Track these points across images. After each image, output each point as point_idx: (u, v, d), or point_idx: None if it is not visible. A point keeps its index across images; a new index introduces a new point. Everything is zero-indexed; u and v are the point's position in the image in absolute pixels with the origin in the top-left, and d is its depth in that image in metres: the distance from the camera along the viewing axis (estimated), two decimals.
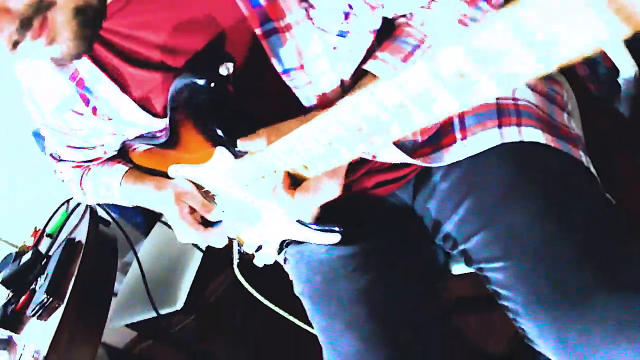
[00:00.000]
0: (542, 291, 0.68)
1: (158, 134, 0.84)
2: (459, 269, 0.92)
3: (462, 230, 0.80)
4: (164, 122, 0.80)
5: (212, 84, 0.70)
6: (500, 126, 0.79)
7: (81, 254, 1.19)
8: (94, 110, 0.82)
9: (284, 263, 1.00)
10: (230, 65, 0.69)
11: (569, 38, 0.27)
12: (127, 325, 1.91)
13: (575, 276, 0.66)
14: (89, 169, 1.02)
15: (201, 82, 0.70)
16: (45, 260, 1.42)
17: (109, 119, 0.82)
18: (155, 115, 0.79)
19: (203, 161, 0.80)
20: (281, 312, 1.05)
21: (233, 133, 0.73)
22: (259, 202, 0.82)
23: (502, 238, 0.74)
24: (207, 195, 0.89)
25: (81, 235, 1.31)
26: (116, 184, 0.96)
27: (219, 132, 0.74)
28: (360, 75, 0.76)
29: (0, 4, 0.55)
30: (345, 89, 0.75)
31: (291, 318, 1.05)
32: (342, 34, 0.71)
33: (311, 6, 0.68)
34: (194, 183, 0.88)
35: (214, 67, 0.69)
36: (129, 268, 2.16)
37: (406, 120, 0.41)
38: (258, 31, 0.68)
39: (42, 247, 1.54)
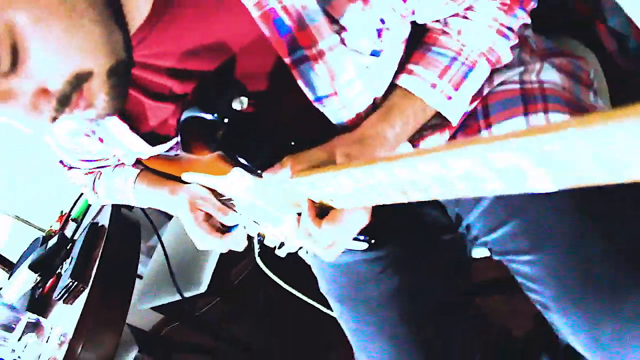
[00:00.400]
0: (573, 287, 0.66)
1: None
2: (479, 252, 0.90)
3: (487, 222, 0.78)
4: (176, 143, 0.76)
5: (226, 120, 0.64)
6: (526, 114, 0.75)
7: (104, 238, 1.20)
8: (100, 140, 0.79)
9: (307, 254, 0.98)
10: (245, 100, 0.64)
11: None
12: (153, 308, 1.93)
13: (609, 272, 0.63)
14: (101, 173, 1.00)
15: (211, 117, 0.65)
16: (70, 244, 1.44)
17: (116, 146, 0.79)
18: (165, 140, 0.76)
19: (219, 173, 0.76)
20: (302, 296, 1.04)
21: (256, 158, 0.68)
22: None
23: (531, 230, 0.71)
24: (224, 200, 0.86)
25: (104, 219, 1.32)
26: (130, 187, 0.94)
27: (241, 160, 0.69)
28: (391, 90, 0.71)
29: (39, 87, 0.51)
30: (377, 105, 0.71)
31: (312, 302, 1.05)
32: (375, 54, 0.67)
33: (343, 29, 0.63)
34: (210, 189, 0.85)
35: (226, 102, 0.64)
36: (154, 251, 2.19)
37: (450, 189, 0.38)
38: (287, 60, 0.63)
39: (68, 232, 1.56)
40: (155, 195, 0.90)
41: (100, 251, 1.16)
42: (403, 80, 0.69)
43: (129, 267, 1.20)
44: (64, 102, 0.54)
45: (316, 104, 0.67)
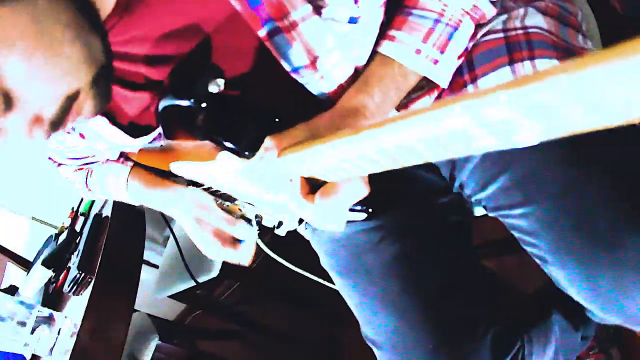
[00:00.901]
0: (569, 237, 0.63)
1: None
2: (480, 211, 0.88)
3: (478, 179, 0.75)
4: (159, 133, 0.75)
5: (204, 105, 0.63)
6: (511, 63, 0.72)
7: (107, 229, 1.20)
8: (82, 135, 0.77)
9: (306, 230, 0.97)
10: (221, 81, 0.62)
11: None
12: (174, 297, 1.95)
13: (604, 218, 0.61)
14: (92, 170, 0.99)
15: (188, 103, 0.63)
16: (79, 238, 1.45)
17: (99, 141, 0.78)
18: (147, 131, 0.74)
19: (207, 159, 0.74)
20: (305, 273, 1.03)
21: (241, 139, 0.66)
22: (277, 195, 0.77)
23: (522, 183, 0.69)
24: (220, 197, 0.85)
25: (108, 210, 1.32)
26: (122, 185, 0.93)
27: (226, 143, 0.67)
28: (373, 58, 0.68)
29: (33, 117, 0.52)
30: (359, 75, 0.68)
31: (317, 278, 1.03)
32: (353, 21, 0.64)
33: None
34: (209, 191, 0.84)
35: (202, 86, 0.62)
36: (168, 241, 2.20)
37: (440, 150, 0.36)
38: (260, 33, 0.61)
39: (78, 226, 1.58)
40: (151, 195, 0.90)
41: (104, 241, 1.16)
42: (385, 48, 0.66)
43: (134, 256, 1.21)
44: (57, 124, 0.55)
45: (294, 75, 0.65)
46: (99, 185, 0.98)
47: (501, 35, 0.75)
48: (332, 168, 0.51)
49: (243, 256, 0.84)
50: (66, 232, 1.52)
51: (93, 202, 1.58)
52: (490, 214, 0.78)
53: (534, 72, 0.25)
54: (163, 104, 0.65)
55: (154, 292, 1.98)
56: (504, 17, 0.76)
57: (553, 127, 0.28)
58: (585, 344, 0.88)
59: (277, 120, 0.66)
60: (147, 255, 2.58)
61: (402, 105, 0.75)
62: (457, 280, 0.78)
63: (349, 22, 0.63)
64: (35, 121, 0.53)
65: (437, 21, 0.66)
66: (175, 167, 0.81)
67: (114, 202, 1.31)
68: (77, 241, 1.44)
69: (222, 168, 0.72)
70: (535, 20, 0.76)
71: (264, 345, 2.20)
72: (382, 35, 0.67)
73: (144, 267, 2.59)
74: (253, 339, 2.24)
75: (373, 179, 0.82)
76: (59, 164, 1.00)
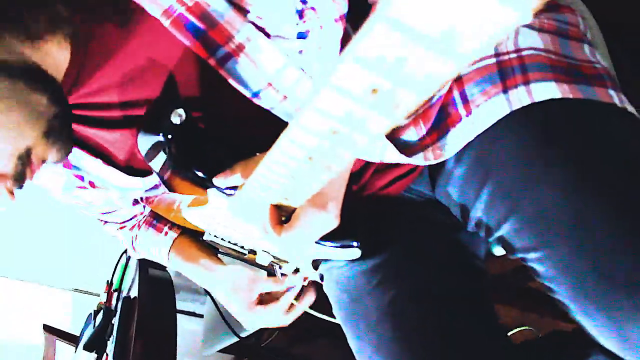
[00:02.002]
0: (587, 283, 0.58)
1: (158, 186, 0.80)
2: (499, 251, 0.83)
3: (491, 217, 0.70)
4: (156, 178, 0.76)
5: (169, 136, 0.64)
6: (505, 91, 0.67)
7: (136, 312, 1.19)
8: (92, 184, 0.80)
9: (321, 281, 0.94)
10: (181, 110, 0.63)
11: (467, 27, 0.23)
12: (221, 351, 1.94)
13: (621, 260, 0.55)
14: (136, 235, 1.01)
15: (158, 137, 0.65)
16: (114, 317, 1.45)
17: (107, 189, 0.80)
18: (145, 174, 0.75)
19: (205, 202, 0.76)
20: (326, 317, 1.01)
21: (212, 167, 0.68)
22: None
23: (532, 223, 0.64)
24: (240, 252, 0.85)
25: (135, 290, 1.31)
26: (164, 258, 0.95)
27: (200, 174, 0.69)
28: None
29: None
30: None
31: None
32: (302, 36, 0.63)
33: (258, 17, 0.60)
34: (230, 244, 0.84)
35: (165, 118, 0.63)
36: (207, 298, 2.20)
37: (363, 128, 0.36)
38: (211, 61, 0.61)
39: (113, 302, 1.58)
40: (193, 272, 0.91)
41: (135, 327, 1.15)
42: None
43: (167, 333, 1.19)
44: (20, 178, 0.60)
45: (256, 101, 0.64)
46: (145, 251, 1.00)
47: (493, 60, 0.70)
48: (286, 189, 0.52)
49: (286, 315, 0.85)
50: (101, 312, 1.52)
51: (123, 276, 1.59)
52: (510, 257, 0.73)
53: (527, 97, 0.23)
54: (139, 142, 0.68)
55: (202, 349, 1.98)
56: None
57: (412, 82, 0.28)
58: None
59: (251, 145, 0.66)
60: (191, 306, 2.58)
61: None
62: (465, 327, 0.73)
63: (298, 37, 0.63)
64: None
65: None
66: (187, 214, 0.83)
67: (140, 282, 1.30)
68: (113, 321, 1.44)
69: (219, 210, 0.74)
70: (530, 40, 0.71)
71: None
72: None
73: (191, 319, 2.61)
74: None
75: (369, 206, 0.79)
76: (105, 222, 1.03)
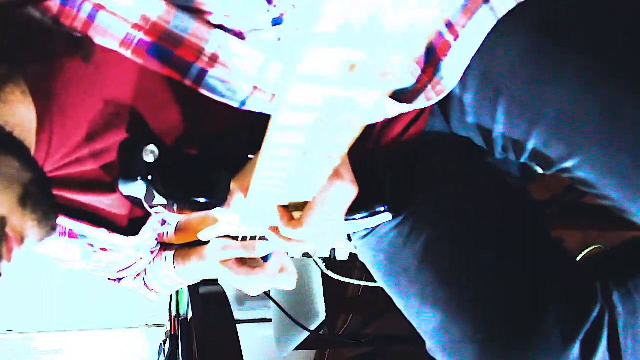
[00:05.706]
0: (632, 175, 0.53)
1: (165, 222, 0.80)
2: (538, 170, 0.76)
3: (515, 134, 0.64)
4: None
5: (149, 177, 0.58)
6: (486, 0, 0.62)
7: (194, 332, 1.18)
8: (103, 249, 0.76)
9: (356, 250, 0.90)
10: (152, 146, 0.57)
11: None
12: (301, 348, 1.93)
13: None
14: (145, 270, 0.98)
15: (140, 184, 0.59)
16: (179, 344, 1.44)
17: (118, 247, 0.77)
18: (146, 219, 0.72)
19: (215, 221, 0.72)
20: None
21: (217, 192, 0.62)
22: None
23: (558, 130, 0.58)
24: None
25: (190, 311, 1.30)
26: (172, 270, 0.92)
27: (203, 200, 0.63)
28: None
29: None
30: None
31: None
32: (278, 22, 0.57)
33: (225, 15, 0.55)
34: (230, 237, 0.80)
35: (138, 161, 0.57)
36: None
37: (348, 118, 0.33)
38: (187, 82, 0.56)
39: (177, 328, 1.58)
40: (192, 269, 0.88)
41: (195, 347, 1.14)
42: None
43: (230, 347, 1.17)
44: None
45: (243, 108, 0.59)
46: (156, 280, 0.97)
47: None
48: (290, 187, 0.49)
49: (284, 278, 0.81)
50: (168, 341, 1.52)
51: (178, 301, 1.59)
52: (547, 172, 0.66)
53: None
54: (123, 192, 0.62)
55: (278, 351, 1.97)
56: None
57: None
58: None
59: (243, 151, 0.62)
60: (259, 313, 2.60)
61: (384, 134, 0.71)
62: (509, 257, 0.66)
63: (274, 24, 0.57)
64: None
65: None
66: (202, 236, 0.80)
67: (192, 302, 1.28)
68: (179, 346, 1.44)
69: (230, 225, 0.71)
70: None
71: (402, 353, 2.14)
72: None
73: (262, 325, 2.61)
74: (390, 350, 2.18)
75: (390, 161, 0.73)
76: (119, 280, 0.99)
